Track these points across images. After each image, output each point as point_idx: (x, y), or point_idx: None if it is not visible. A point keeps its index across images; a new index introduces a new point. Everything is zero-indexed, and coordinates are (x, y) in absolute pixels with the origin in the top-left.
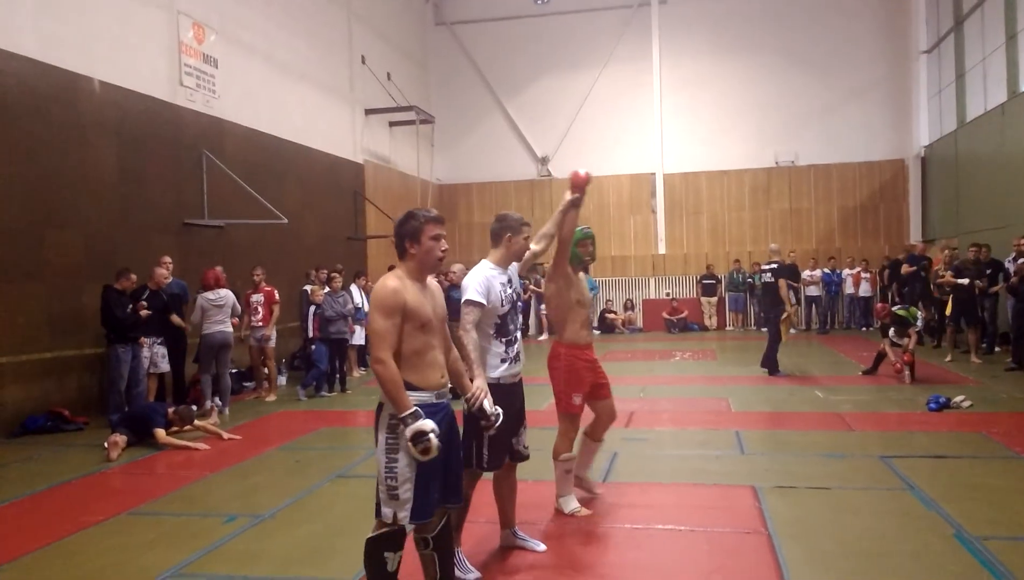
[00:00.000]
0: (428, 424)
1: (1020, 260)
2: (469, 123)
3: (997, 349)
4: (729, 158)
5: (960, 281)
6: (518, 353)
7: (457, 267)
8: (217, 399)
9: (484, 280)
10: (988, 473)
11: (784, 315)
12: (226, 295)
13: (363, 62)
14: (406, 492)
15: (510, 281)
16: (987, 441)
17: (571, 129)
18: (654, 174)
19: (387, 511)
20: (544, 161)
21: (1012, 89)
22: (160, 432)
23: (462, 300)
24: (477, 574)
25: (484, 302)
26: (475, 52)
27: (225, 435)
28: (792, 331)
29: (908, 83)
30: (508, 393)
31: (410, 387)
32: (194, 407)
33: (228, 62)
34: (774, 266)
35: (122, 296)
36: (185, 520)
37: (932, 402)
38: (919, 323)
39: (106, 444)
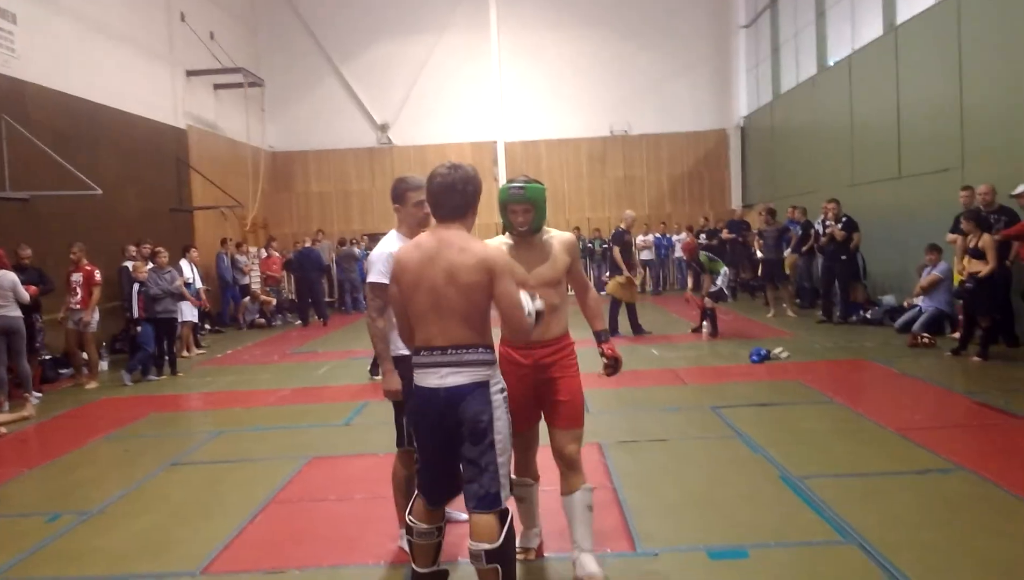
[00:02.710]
0: None
1: (828, 223)
2: (303, 88)
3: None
4: (567, 127)
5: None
6: None
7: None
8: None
9: (389, 257)
10: (806, 417)
11: (623, 279)
12: (2, 276)
13: (182, 19)
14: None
15: None
16: (804, 388)
17: (411, 96)
18: (495, 142)
19: (504, 496)
20: (384, 128)
21: (821, 63)
22: None
23: (366, 281)
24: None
25: (387, 282)
26: (307, 13)
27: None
28: (639, 293)
29: (729, 57)
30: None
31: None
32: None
33: (30, 18)
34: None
35: None
36: (1, 521)
37: (754, 354)
38: (720, 280)
39: None
